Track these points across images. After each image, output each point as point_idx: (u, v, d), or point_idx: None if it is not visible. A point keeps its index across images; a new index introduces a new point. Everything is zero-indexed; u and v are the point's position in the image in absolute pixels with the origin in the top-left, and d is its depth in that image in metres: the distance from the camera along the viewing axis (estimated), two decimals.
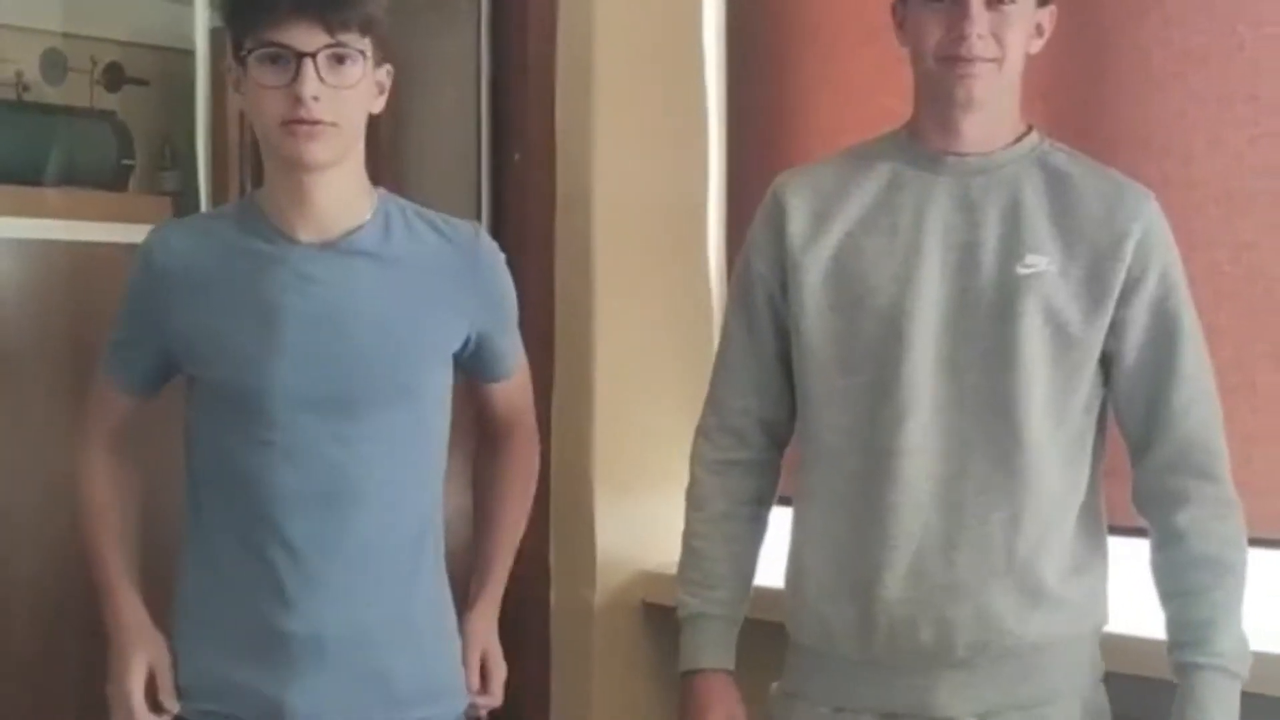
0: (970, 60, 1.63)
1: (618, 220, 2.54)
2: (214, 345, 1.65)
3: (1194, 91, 2.16)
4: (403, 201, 1.73)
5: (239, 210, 1.75)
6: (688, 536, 1.85)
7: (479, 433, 1.90)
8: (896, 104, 1.82)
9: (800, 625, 1.77)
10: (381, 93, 1.66)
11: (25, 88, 2.25)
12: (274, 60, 1.55)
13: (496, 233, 2.55)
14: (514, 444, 1.89)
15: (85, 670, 1.89)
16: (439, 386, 1.74)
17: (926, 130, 1.72)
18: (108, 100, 2.33)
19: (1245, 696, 2.02)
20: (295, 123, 1.56)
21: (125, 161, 2.33)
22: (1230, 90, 2.13)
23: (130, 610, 1.71)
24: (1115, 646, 1.82)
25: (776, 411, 1.80)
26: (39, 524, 2.10)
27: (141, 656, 1.69)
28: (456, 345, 1.73)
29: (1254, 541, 2.09)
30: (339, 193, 1.64)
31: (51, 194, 2.21)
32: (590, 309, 2.52)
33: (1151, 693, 1.78)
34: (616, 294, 2.54)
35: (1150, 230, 1.68)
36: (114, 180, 2.32)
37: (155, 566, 1.78)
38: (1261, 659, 1.95)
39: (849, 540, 1.70)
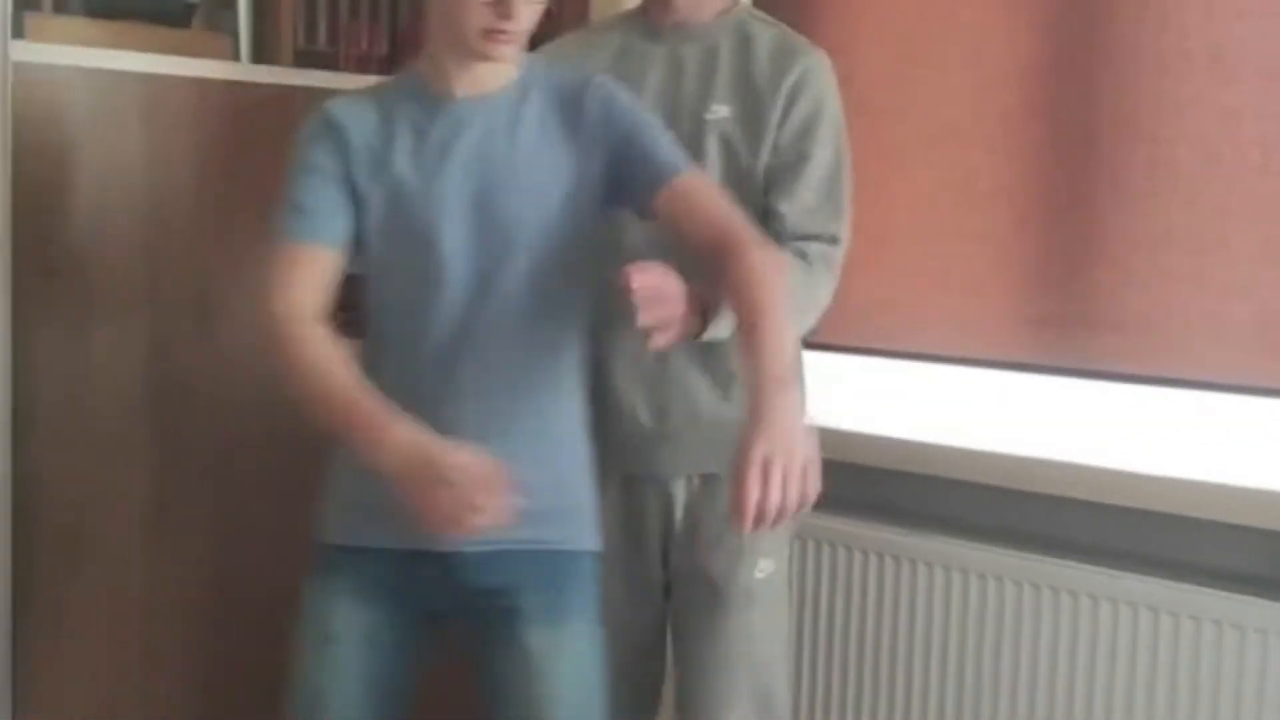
0: None
1: None
2: (388, 195, 1.80)
3: None
4: (539, 60, 1.90)
5: (400, 81, 1.90)
6: None
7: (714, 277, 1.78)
8: None
9: None
10: None
11: None
12: None
13: None
14: (742, 255, 1.71)
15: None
16: (580, 226, 1.83)
17: (650, 7, 2.10)
18: None
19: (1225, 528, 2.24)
20: (498, 33, 1.73)
21: (189, 0, 2.47)
22: None
23: (410, 428, 1.64)
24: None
25: None
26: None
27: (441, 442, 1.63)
28: (596, 180, 1.82)
29: (1228, 388, 2.30)
30: (500, 65, 1.82)
31: (122, 27, 2.34)
32: None
33: None
34: None
35: (804, 77, 2.00)
36: (179, 18, 2.46)
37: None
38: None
39: None
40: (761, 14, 2.11)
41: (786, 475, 1.55)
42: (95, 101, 2.26)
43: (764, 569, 2.08)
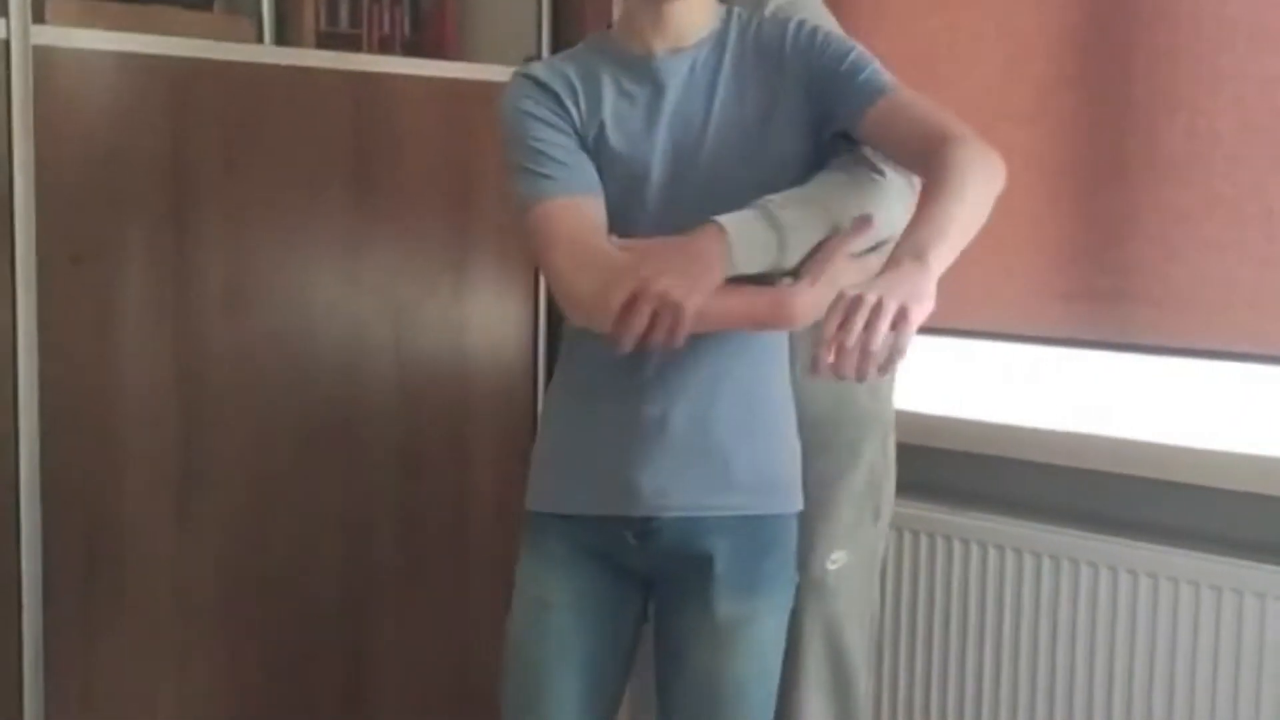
0: None
1: None
2: (597, 155, 1.77)
3: None
4: (738, 11, 1.84)
5: (596, 43, 1.86)
6: None
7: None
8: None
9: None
10: None
11: None
12: None
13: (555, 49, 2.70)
14: (947, 146, 1.62)
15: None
16: (791, 173, 1.77)
17: None
18: None
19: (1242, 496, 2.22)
20: None
21: None
22: None
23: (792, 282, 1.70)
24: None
25: None
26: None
27: None
28: (804, 121, 1.77)
29: (1271, 359, 2.27)
30: (692, 14, 1.79)
31: (144, 11, 2.34)
32: None
33: None
34: None
35: (776, 12, 1.87)
36: (202, 0, 2.45)
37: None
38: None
39: None
40: None
41: (876, 313, 1.41)
42: (117, 85, 2.25)
43: (836, 560, 2.04)
